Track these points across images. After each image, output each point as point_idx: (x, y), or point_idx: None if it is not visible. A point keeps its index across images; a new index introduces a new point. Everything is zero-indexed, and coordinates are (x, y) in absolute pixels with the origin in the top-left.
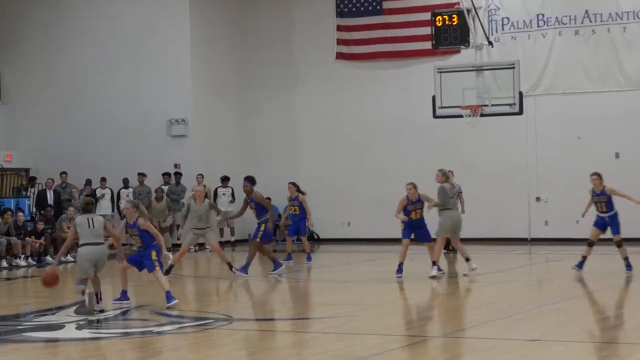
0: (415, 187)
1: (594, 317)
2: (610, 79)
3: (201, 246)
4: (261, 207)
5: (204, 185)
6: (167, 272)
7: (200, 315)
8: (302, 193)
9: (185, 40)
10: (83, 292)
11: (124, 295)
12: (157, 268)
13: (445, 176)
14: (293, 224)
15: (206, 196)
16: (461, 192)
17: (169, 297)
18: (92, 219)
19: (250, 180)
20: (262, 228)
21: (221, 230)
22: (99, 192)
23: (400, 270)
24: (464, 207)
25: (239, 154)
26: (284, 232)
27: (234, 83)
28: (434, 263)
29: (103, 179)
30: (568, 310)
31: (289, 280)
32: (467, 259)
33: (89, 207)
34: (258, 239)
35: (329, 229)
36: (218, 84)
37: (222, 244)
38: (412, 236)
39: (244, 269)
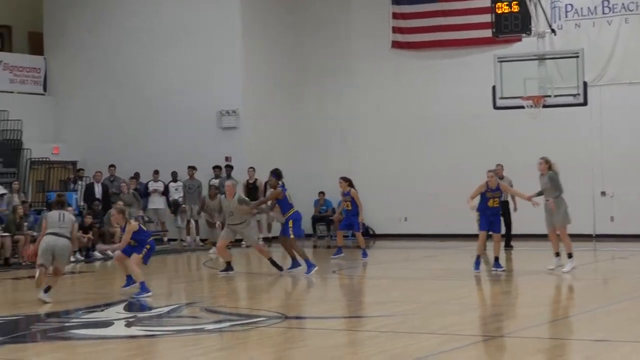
0: (496, 174)
1: None
2: None
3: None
4: (285, 202)
5: (233, 179)
6: (227, 269)
7: (251, 312)
8: (354, 188)
9: (236, 30)
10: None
11: (129, 280)
12: (139, 256)
13: (548, 164)
14: (346, 219)
15: (260, 186)
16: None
17: (143, 287)
18: (63, 214)
19: (275, 174)
20: (290, 224)
21: (269, 225)
22: (150, 186)
23: (477, 264)
24: (515, 203)
25: (291, 146)
26: (337, 227)
27: (286, 74)
28: (496, 260)
29: (156, 172)
30: (635, 309)
31: (344, 277)
32: (557, 254)
33: (61, 200)
34: (291, 236)
35: (385, 224)
36: (270, 75)
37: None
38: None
39: (309, 267)
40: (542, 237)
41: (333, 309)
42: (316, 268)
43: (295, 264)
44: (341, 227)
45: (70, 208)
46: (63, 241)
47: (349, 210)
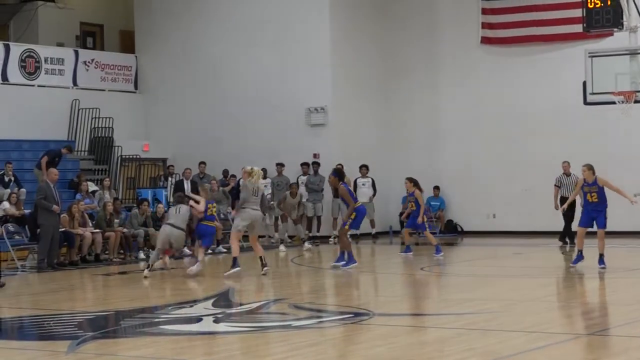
0: (590, 168)
1: None
2: None
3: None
4: (345, 201)
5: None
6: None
7: (339, 309)
8: (420, 189)
9: (325, 26)
10: None
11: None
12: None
13: None
14: (411, 219)
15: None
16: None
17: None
18: (179, 207)
19: (335, 173)
20: (352, 216)
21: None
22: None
23: (577, 259)
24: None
25: (379, 143)
26: (403, 225)
27: (374, 70)
28: (600, 257)
29: None
30: None
31: (431, 274)
32: None
33: (180, 196)
34: (347, 227)
35: (473, 220)
36: (358, 71)
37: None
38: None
39: (350, 261)
40: (623, 234)
41: (420, 306)
42: (355, 264)
43: (342, 259)
44: (407, 226)
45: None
46: (178, 232)
47: (413, 210)
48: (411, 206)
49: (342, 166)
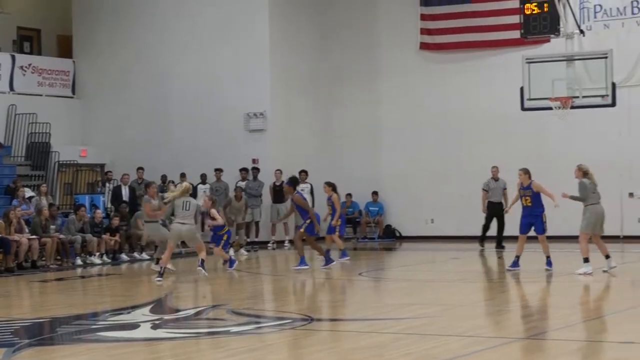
0: (526, 172)
1: None
2: None
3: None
4: (301, 209)
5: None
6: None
7: (278, 315)
8: (337, 193)
9: (264, 32)
10: None
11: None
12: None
13: (582, 171)
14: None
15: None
16: (505, 188)
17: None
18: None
19: (290, 182)
20: (308, 222)
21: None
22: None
23: (514, 264)
24: (507, 204)
25: (319, 148)
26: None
27: (313, 75)
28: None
29: (183, 175)
30: None
31: (369, 279)
32: (607, 256)
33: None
34: (302, 229)
35: (412, 225)
36: (298, 76)
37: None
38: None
39: (301, 263)
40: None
41: (359, 310)
42: (308, 267)
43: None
44: (328, 231)
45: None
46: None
47: (331, 214)
48: (329, 210)
49: (281, 172)
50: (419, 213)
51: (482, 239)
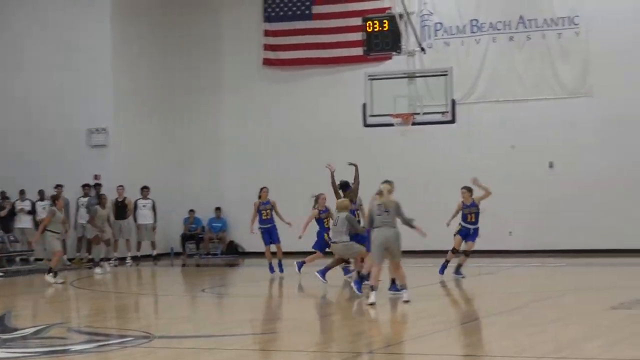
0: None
1: (524, 332)
2: (545, 87)
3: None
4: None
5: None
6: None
7: (120, 332)
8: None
9: (106, 47)
10: None
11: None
12: None
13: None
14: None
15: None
16: (361, 204)
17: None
18: None
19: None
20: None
21: (139, 244)
22: (18, 205)
23: (443, 268)
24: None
25: (163, 164)
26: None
27: (157, 90)
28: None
29: (22, 192)
30: (500, 324)
31: (213, 295)
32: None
33: None
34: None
35: (255, 241)
36: (141, 92)
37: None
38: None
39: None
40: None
41: (202, 327)
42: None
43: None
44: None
45: None
46: (340, 245)
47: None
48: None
49: (123, 188)
50: None
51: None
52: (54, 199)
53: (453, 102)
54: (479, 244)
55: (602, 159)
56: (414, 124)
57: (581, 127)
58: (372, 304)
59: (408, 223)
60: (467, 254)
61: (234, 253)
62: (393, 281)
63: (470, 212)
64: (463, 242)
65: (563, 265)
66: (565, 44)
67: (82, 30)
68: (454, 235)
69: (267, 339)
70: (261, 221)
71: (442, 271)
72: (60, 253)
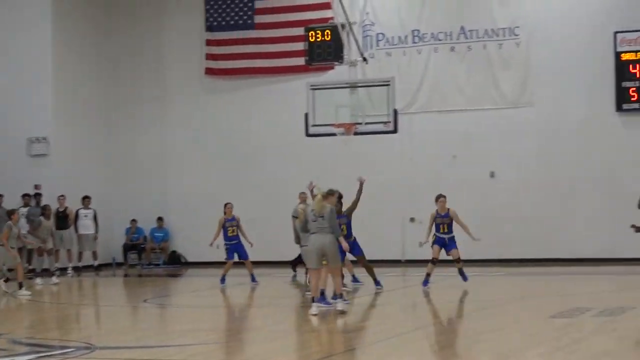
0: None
1: (466, 340)
2: (486, 97)
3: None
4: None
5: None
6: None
7: (61, 343)
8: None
9: (47, 55)
10: None
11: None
12: None
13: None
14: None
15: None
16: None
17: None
18: None
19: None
20: None
21: (81, 254)
22: None
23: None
24: None
25: (105, 173)
26: None
27: (99, 101)
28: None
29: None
30: (443, 334)
31: (154, 305)
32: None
33: None
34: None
35: (198, 251)
36: (82, 101)
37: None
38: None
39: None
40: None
41: (143, 338)
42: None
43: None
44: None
45: None
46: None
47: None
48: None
49: (65, 198)
50: (205, 239)
51: (295, 264)
52: (10, 214)
53: (395, 112)
54: (418, 254)
55: (542, 169)
56: (356, 133)
57: (522, 137)
58: (315, 315)
59: (335, 234)
60: (458, 260)
61: (176, 263)
62: (322, 293)
63: (442, 222)
64: (443, 252)
65: (502, 275)
66: (505, 54)
67: (22, 39)
68: (431, 245)
69: (209, 350)
70: (227, 238)
71: (425, 284)
72: (20, 264)
